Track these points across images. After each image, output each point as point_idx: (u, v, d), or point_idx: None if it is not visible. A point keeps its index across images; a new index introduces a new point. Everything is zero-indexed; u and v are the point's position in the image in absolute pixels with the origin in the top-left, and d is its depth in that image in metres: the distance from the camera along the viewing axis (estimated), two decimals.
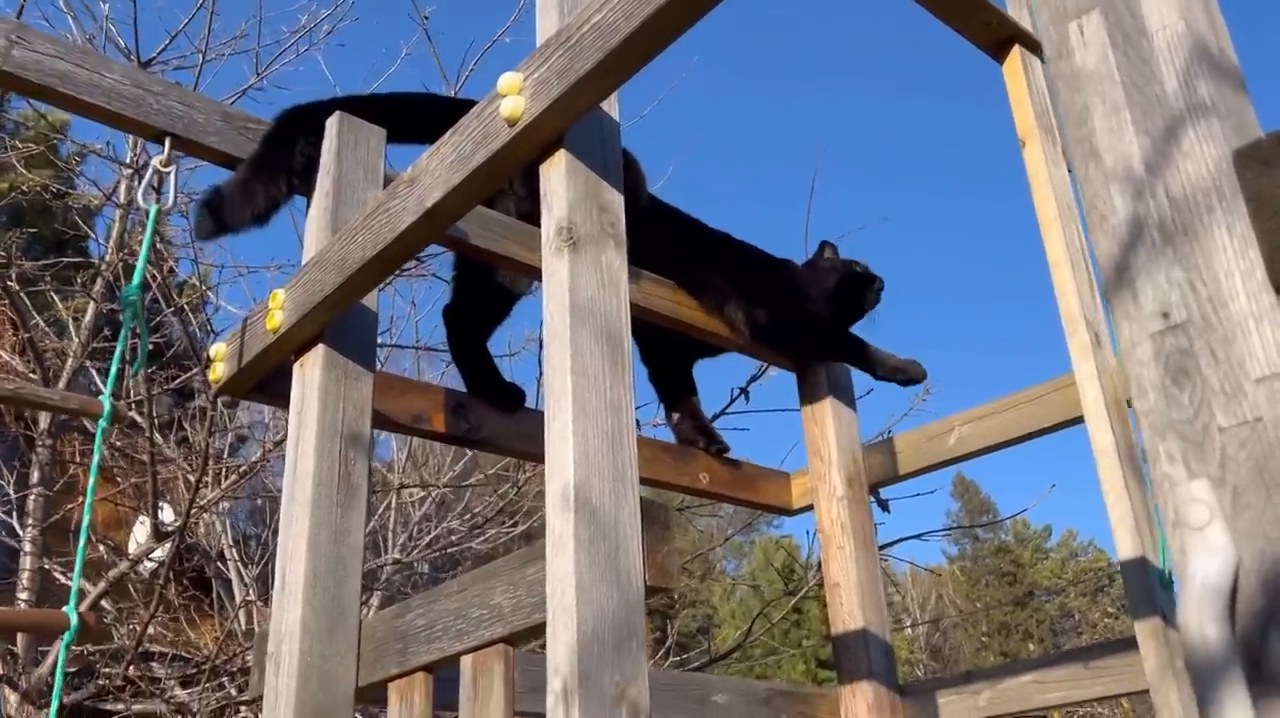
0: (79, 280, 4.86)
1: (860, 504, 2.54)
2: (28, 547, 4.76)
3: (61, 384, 4.30)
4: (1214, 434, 0.68)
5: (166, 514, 4.96)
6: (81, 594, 1.46)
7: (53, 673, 3.27)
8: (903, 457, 2.60)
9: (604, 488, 1.20)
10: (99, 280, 4.58)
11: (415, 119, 2.11)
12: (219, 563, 6.44)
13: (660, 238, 2.31)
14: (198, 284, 4.49)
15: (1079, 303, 2.25)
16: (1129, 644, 2.05)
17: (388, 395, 2.07)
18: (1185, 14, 0.78)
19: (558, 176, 1.35)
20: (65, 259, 5.05)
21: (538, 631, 1.32)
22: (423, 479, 6.37)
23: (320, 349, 1.74)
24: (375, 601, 5.54)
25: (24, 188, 5.01)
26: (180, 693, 3.77)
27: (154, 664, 4.41)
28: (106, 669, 3.84)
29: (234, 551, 6.37)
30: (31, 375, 4.33)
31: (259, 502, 6.44)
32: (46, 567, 4.81)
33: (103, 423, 1.53)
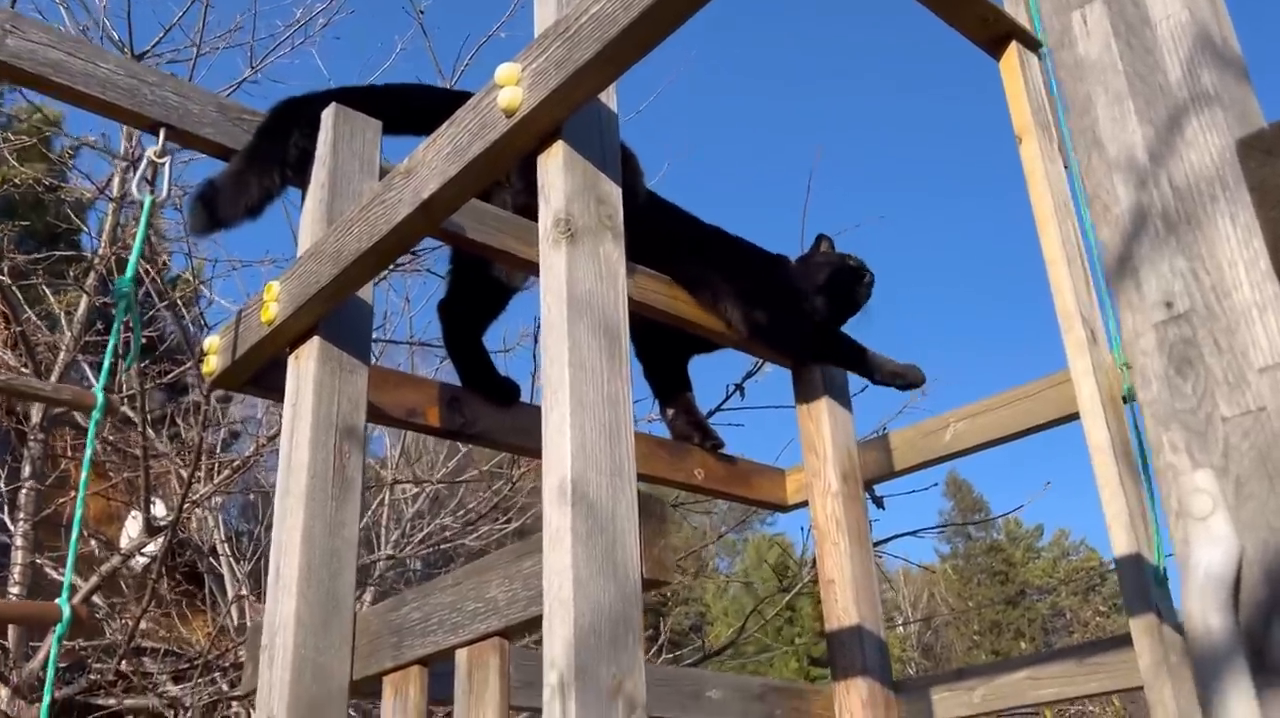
0: (72, 274, 4.83)
1: (855, 500, 2.54)
2: (19, 542, 4.74)
3: (53, 378, 4.27)
4: (1217, 424, 0.68)
5: (158, 510, 4.94)
6: (73, 589, 1.45)
7: (44, 667, 3.25)
8: (898, 453, 2.59)
9: (601, 482, 1.19)
10: (91, 274, 4.56)
11: (411, 111, 2.10)
12: (211, 559, 6.43)
13: (657, 233, 2.30)
14: (190, 279, 4.47)
15: (1075, 299, 2.25)
16: (1123, 641, 2.05)
17: (382, 389, 2.06)
18: (1189, 3, 0.78)
19: (555, 168, 1.34)
20: (58, 253, 5.02)
21: (533, 624, 1.31)
22: (415, 475, 6.36)
23: (315, 342, 1.73)
24: (368, 596, 5.53)
25: (16, 181, 4.98)
26: (172, 688, 3.76)
27: (145, 660, 4.40)
28: (98, 665, 3.82)
29: (226, 546, 6.36)
30: (23, 370, 4.31)
31: (251, 497, 6.41)
32: (38, 562, 4.79)
33: (96, 415, 1.52)
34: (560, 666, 1.10)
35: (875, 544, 2.71)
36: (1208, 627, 0.63)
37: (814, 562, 4.69)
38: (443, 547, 6.68)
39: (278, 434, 3.94)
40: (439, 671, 1.54)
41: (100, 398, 1.52)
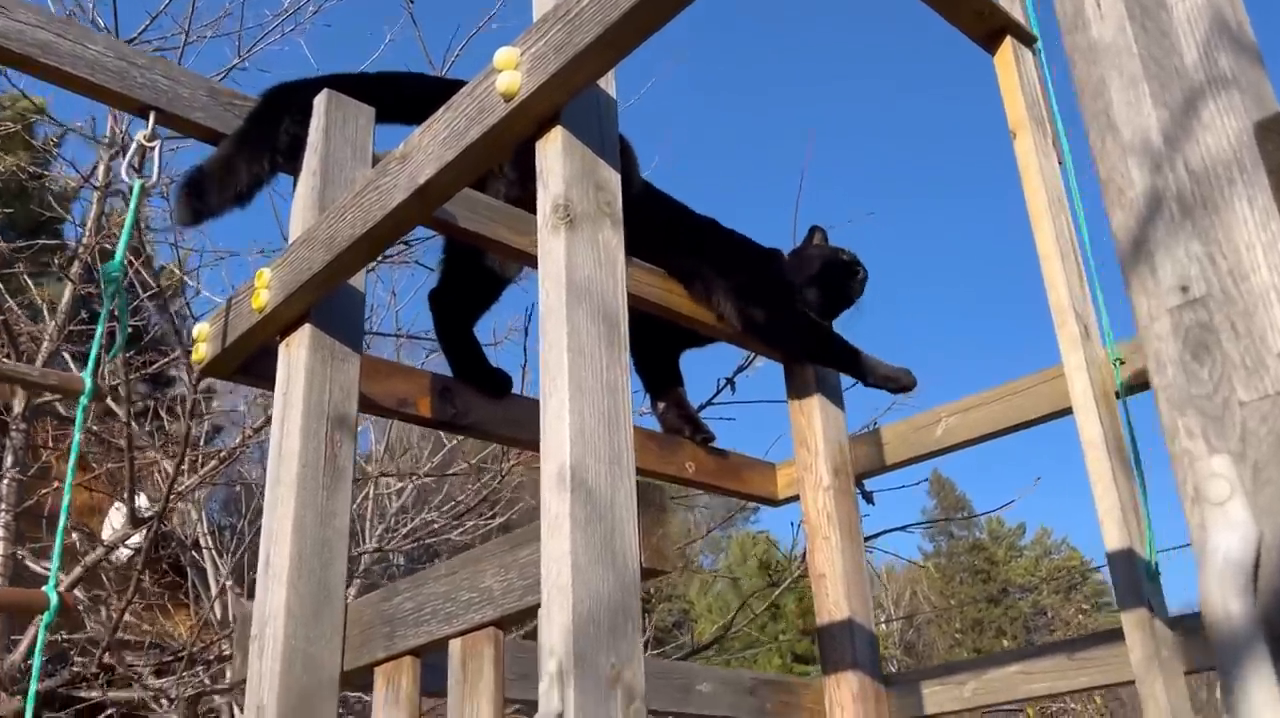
0: (56, 263, 4.78)
1: (846, 495, 2.54)
2: (0, 532, 4.69)
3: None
4: (1234, 409, 0.67)
5: (140, 502, 4.89)
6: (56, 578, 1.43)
7: (25, 659, 3.22)
8: (889, 448, 2.59)
9: (600, 469, 1.18)
10: (76, 263, 4.52)
11: (405, 99, 2.08)
12: (194, 552, 6.38)
13: (651, 224, 2.29)
14: (176, 270, 4.43)
15: (1069, 294, 2.25)
16: (1114, 636, 2.06)
17: (373, 379, 2.04)
18: None
19: (554, 153, 1.33)
20: (41, 242, 4.97)
21: (529, 613, 1.30)
22: (398, 469, 6.33)
23: (306, 329, 1.72)
24: (353, 590, 5.50)
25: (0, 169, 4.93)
26: (154, 682, 3.72)
27: (126, 653, 4.36)
28: (80, 658, 3.79)
29: (209, 539, 6.31)
30: (5, 360, 4.27)
31: (236, 488, 6.37)
32: (20, 555, 4.74)
33: (84, 400, 1.50)
34: (559, 653, 1.08)
35: (865, 539, 2.70)
36: (1228, 612, 0.62)
37: (802, 557, 4.70)
38: (428, 541, 6.65)
39: (264, 426, 3.91)
40: (431, 662, 1.53)
41: (88, 383, 1.49)
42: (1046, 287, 2.29)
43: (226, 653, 4.28)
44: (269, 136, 1.88)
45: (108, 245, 4.52)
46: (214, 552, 6.28)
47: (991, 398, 2.39)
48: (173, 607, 6.54)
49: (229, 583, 5.83)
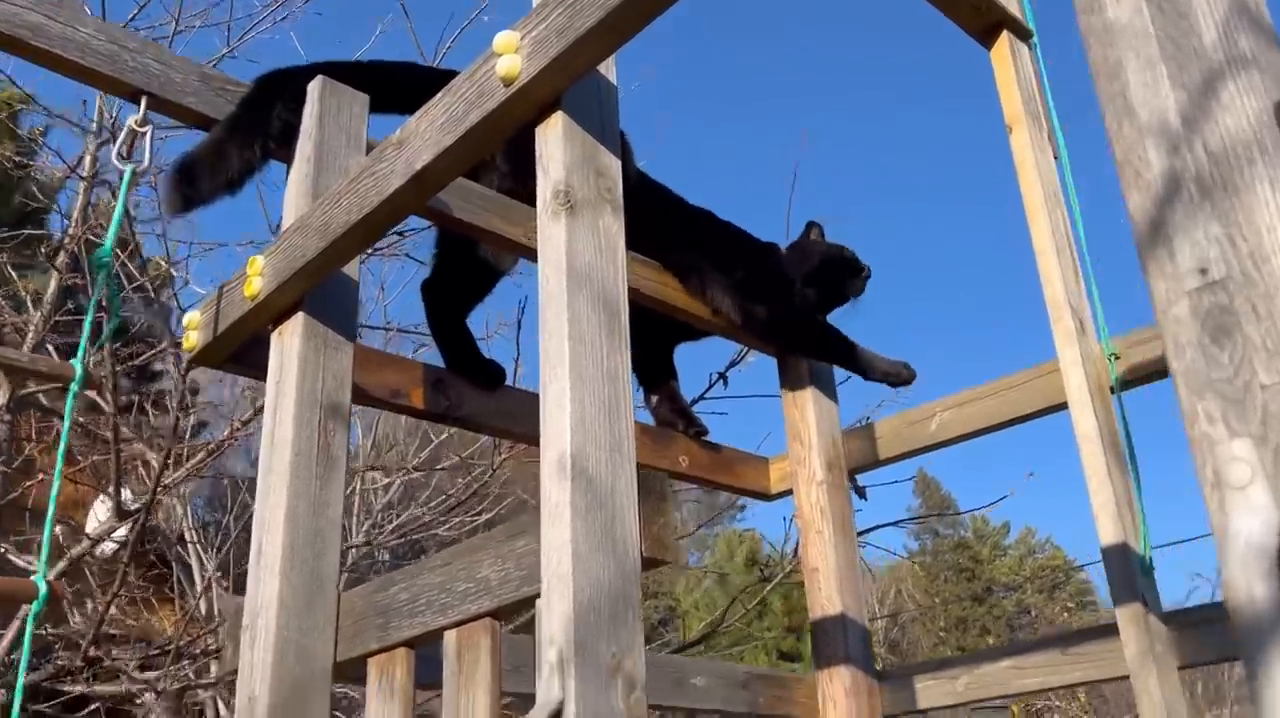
0: (42, 251, 4.73)
1: (840, 489, 2.53)
2: None
3: None
4: (1255, 392, 0.66)
5: (125, 496, 4.84)
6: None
7: (9, 653, 3.18)
8: (883, 442, 2.59)
9: (601, 457, 1.17)
10: (62, 254, 4.47)
11: (398, 88, 2.06)
12: (179, 547, 6.34)
13: (646, 215, 2.27)
14: (164, 263, 4.39)
15: (1064, 289, 2.24)
16: (1108, 630, 2.06)
17: (366, 370, 2.02)
18: None
19: (554, 139, 1.31)
20: (26, 231, 4.91)
21: (526, 604, 1.29)
22: (384, 462, 6.30)
23: (300, 317, 1.70)
24: (340, 585, 5.45)
25: None
26: (140, 676, 3.69)
27: (111, 648, 4.31)
28: (65, 652, 3.75)
29: (194, 533, 6.27)
30: None
31: (224, 481, 6.33)
32: (3, 549, 4.69)
33: (74, 388, 1.48)
34: (559, 642, 1.07)
35: (858, 534, 2.70)
36: (1252, 596, 0.61)
37: (793, 553, 4.70)
38: (414, 537, 6.63)
39: (253, 418, 3.88)
40: (425, 654, 1.51)
41: (79, 370, 1.47)
42: (1042, 281, 2.29)
43: (212, 648, 4.25)
44: (262, 122, 1.86)
45: (92, 238, 4.48)
46: (199, 546, 6.24)
47: (986, 393, 2.39)
48: (157, 602, 6.50)
49: (214, 577, 5.80)
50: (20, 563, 4.78)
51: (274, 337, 1.74)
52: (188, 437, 4.69)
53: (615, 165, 1.35)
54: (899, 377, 2.45)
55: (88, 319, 1.56)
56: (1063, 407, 2.24)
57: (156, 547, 5.90)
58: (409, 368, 2.13)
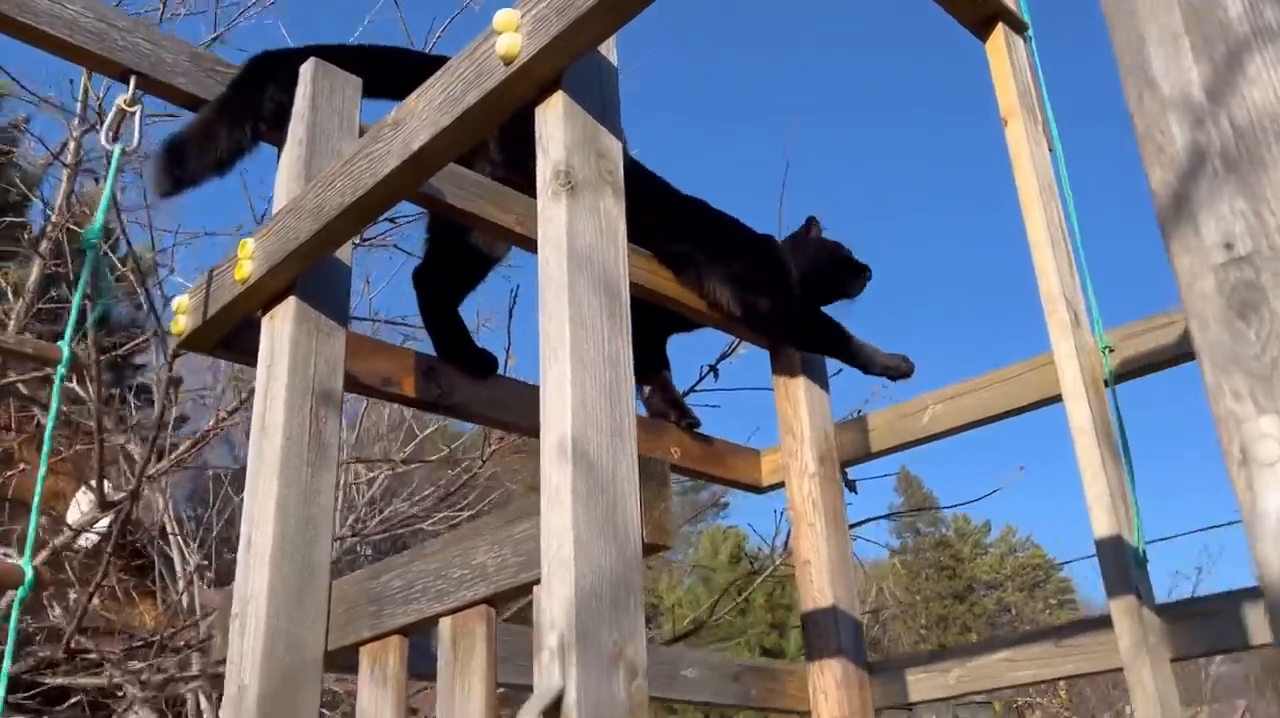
0: (24, 239, 4.67)
1: (832, 482, 2.52)
2: None
3: None
4: None
5: (105, 488, 4.78)
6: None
7: None
8: (875, 435, 2.58)
9: (602, 441, 1.15)
10: (45, 242, 4.41)
11: (391, 72, 2.03)
12: (161, 541, 6.29)
13: (641, 205, 2.25)
14: (149, 253, 4.33)
15: (1059, 282, 2.24)
16: (1101, 623, 2.05)
17: (357, 357, 2.00)
18: None
19: (555, 119, 1.29)
20: (8, 219, 4.85)
21: (523, 591, 1.27)
22: (368, 455, 6.26)
23: (291, 302, 1.67)
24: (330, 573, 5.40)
25: None
26: (123, 668, 3.65)
27: (83, 639, 4.26)
28: (46, 643, 3.71)
29: (175, 526, 6.22)
30: None
31: (209, 472, 6.28)
32: None
33: (61, 370, 1.45)
34: (560, 627, 1.05)
35: (850, 527, 2.69)
36: None
37: (783, 546, 4.70)
38: (398, 532, 6.59)
39: (238, 408, 3.85)
40: (416, 644, 1.49)
41: (66, 352, 1.44)
42: (1037, 274, 2.28)
43: (194, 642, 4.21)
44: (253, 103, 1.83)
45: (74, 227, 4.42)
46: (181, 540, 6.19)
47: (979, 385, 2.38)
48: (138, 595, 6.44)
49: (197, 570, 5.75)
50: None
51: (265, 321, 1.71)
52: (170, 428, 4.64)
53: (616, 147, 1.33)
54: (899, 370, 2.44)
55: (75, 300, 1.53)
56: (1056, 399, 2.24)
57: (137, 540, 5.84)
58: (400, 355, 2.11)
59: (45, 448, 1.35)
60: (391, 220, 3.86)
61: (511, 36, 1.29)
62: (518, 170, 2.15)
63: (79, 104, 3.62)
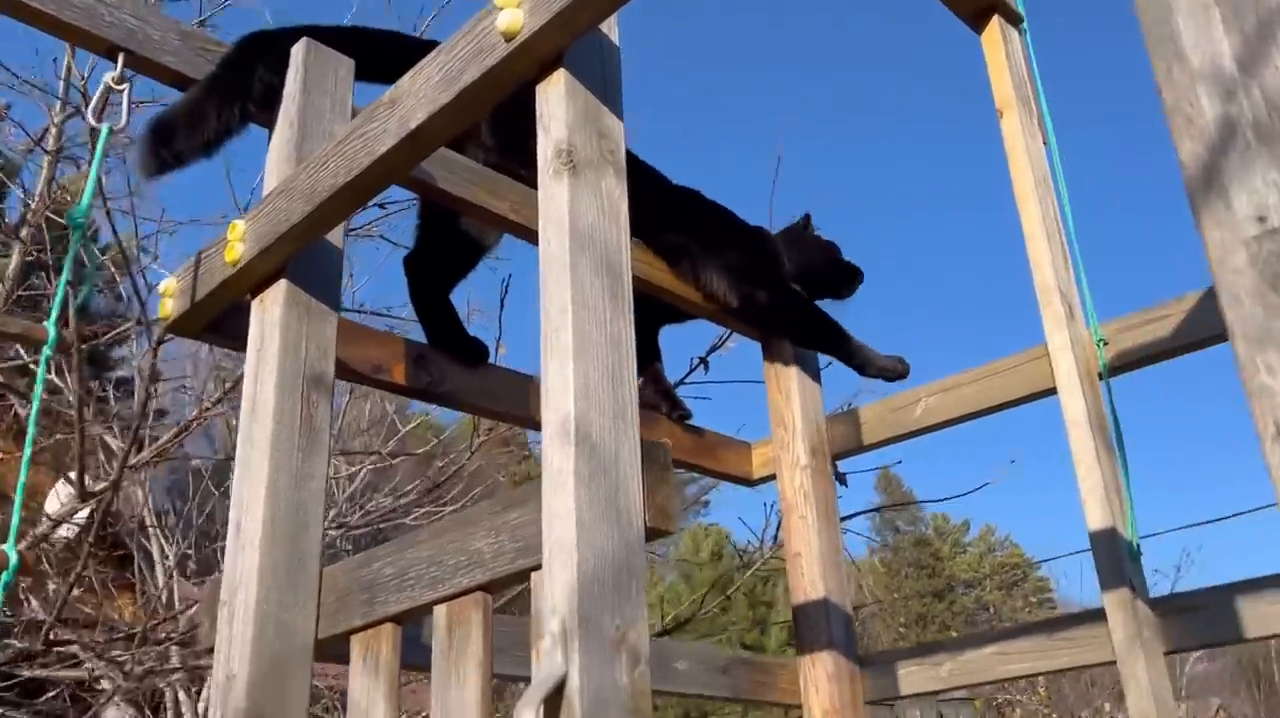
0: (2, 225, 4.60)
1: (823, 475, 2.51)
2: None
3: None
4: None
5: (70, 489, 4.71)
6: None
7: None
8: (867, 428, 2.57)
9: (604, 423, 1.13)
10: (25, 228, 4.34)
11: (384, 56, 2.00)
12: (140, 535, 6.22)
13: (634, 194, 2.23)
14: (131, 240, 4.27)
15: (1054, 274, 2.24)
16: (1095, 616, 2.05)
17: (347, 343, 1.96)
18: None
19: (556, 97, 1.27)
20: None
21: (520, 577, 1.25)
22: (350, 447, 6.22)
23: (282, 285, 1.64)
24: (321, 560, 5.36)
25: None
26: (100, 662, 3.60)
27: (61, 630, 4.20)
28: (23, 635, 3.65)
29: (154, 518, 6.16)
30: None
31: (190, 463, 6.21)
32: None
33: (47, 351, 1.41)
34: (563, 612, 1.03)
35: (841, 519, 2.68)
36: None
37: (773, 539, 4.69)
38: (379, 525, 6.55)
39: (222, 398, 3.80)
40: (406, 634, 1.47)
41: (52, 332, 1.41)
42: (1032, 266, 2.28)
43: (174, 634, 4.16)
44: (243, 83, 1.80)
45: (53, 216, 4.36)
46: (160, 533, 6.13)
47: (972, 378, 2.37)
48: (116, 589, 6.37)
49: (177, 563, 5.69)
50: None
51: (255, 304, 1.68)
52: (150, 419, 4.59)
53: (618, 128, 1.31)
54: (895, 372, 2.43)
55: (61, 281, 1.50)
56: (1050, 392, 2.24)
57: (116, 532, 5.77)
58: (391, 342, 2.08)
59: (30, 431, 1.32)
60: (381, 206, 3.83)
61: (513, 12, 1.26)
62: (511, 156, 2.13)
63: (61, 83, 3.56)
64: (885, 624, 27.65)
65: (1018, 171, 2.34)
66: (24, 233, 4.23)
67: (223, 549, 6.38)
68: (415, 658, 1.56)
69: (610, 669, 1.03)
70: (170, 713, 5.91)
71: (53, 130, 4.23)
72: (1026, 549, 31.81)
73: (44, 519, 3.88)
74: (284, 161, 1.74)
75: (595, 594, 1.04)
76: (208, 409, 3.72)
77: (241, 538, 1.50)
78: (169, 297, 1.78)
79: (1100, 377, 2.17)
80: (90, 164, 1.73)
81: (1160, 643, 1.95)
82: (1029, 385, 2.27)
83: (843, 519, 3.89)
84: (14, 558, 1.23)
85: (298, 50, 1.81)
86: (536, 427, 2.32)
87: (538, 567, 1.18)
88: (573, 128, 1.25)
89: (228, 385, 3.83)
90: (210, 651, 1.55)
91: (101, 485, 3.39)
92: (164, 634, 3.64)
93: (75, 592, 3.78)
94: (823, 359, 2.68)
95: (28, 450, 1.31)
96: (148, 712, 6.30)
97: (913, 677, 2.30)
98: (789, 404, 2.55)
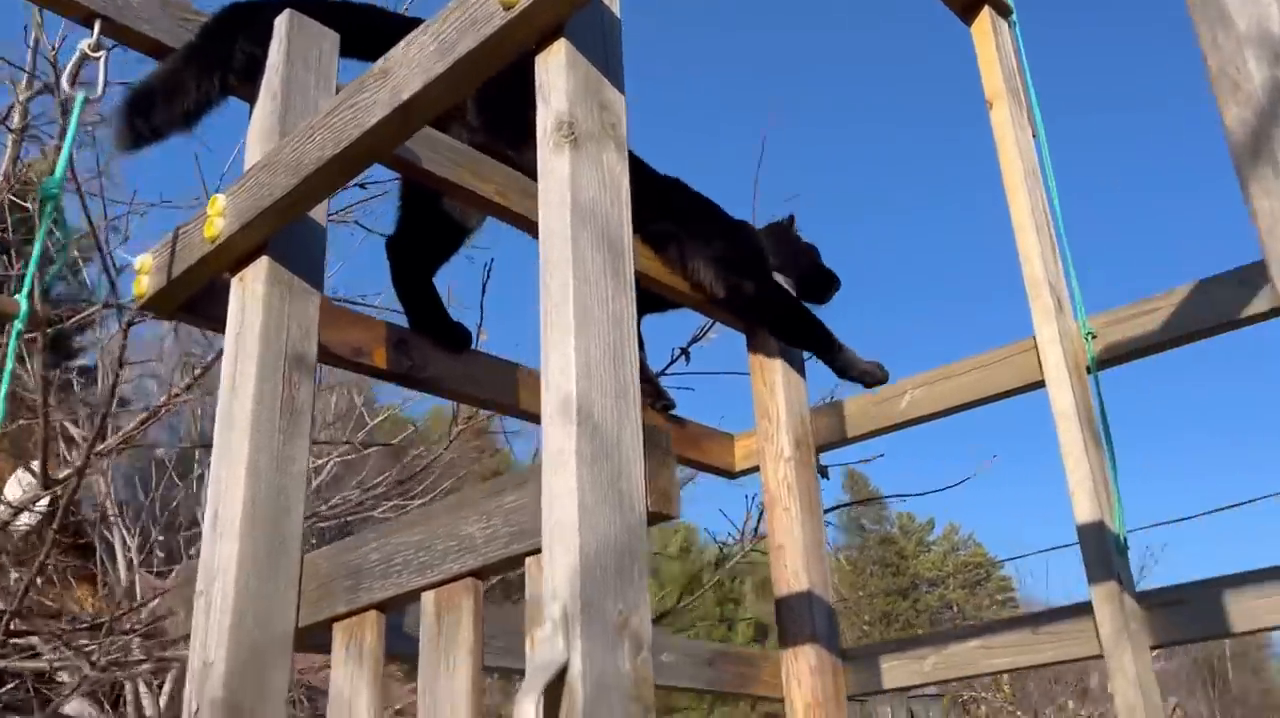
0: None
1: (807, 467, 2.49)
2: None
3: None
4: None
5: (31, 477, 4.60)
6: None
7: None
8: (851, 420, 2.55)
9: (606, 403, 1.09)
10: None
11: (371, 31, 1.95)
12: (101, 526, 6.10)
13: None
14: (100, 221, 4.17)
15: (1043, 266, 2.23)
16: (1080, 609, 2.04)
17: (327, 326, 1.90)
18: None
19: (557, 67, 1.23)
20: None
21: (513, 562, 1.21)
22: (313, 440, 6.13)
23: (264, 261, 1.59)
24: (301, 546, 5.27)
25: None
26: (69, 651, 3.51)
27: (17, 622, 4.10)
28: None
29: (116, 508, 6.04)
30: None
31: (150, 457, 6.10)
32: None
33: (18, 325, 1.35)
34: (564, 597, 0.99)
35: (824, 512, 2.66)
36: None
37: (753, 531, 4.67)
38: (347, 518, 6.47)
39: (193, 384, 3.72)
40: (390, 623, 1.43)
41: (24, 305, 1.35)
42: (1021, 259, 2.27)
43: (137, 627, 4.07)
44: (223, 54, 1.74)
45: (15, 199, 4.25)
46: (123, 523, 6.01)
47: (959, 370, 2.36)
48: (75, 580, 6.24)
49: (140, 553, 5.59)
50: None
51: (235, 282, 1.63)
52: (113, 405, 4.49)
53: (620, 101, 1.27)
54: (874, 377, 2.43)
55: (34, 255, 1.44)
56: (1036, 385, 2.23)
57: (78, 522, 5.65)
58: (372, 326, 2.03)
59: (1, 405, 1.26)
60: (362, 186, 3.76)
61: None
62: (498, 136, 2.09)
63: (29, 55, 3.47)
64: (850, 623, 27.80)
65: (1007, 163, 2.33)
66: None
67: (186, 540, 6.28)
68: (396, 647, 1.52)
69: (613, 656, 0.99)
70: (130, 707, 5.80)
71: (18, 108, 4.12)
72: (990, 549, 32.11)
73: (2, 507, 3.78)
74: (266, 135, 1.68)
75: (597, 578, 1.01)
76: (176, 396, 3.63)
77: (220, 523, 1.45)
78: (144, 273, 1.72)
79: (1088, 370, 2.16)
80: (62, 137, 1.66)
81: (1147, 636, 1.95)
82: (1016, 378, 2.26)
83: (829, 511, 3.88)
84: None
85: (281, 21, 1.75)
86: (520, 414, 2.29)
87: (532, 551, 1.15)
88: (574, 99, 1.21)
89: (197, 372, 3.75)
90: (177, 641, 1.50)
91: (66, 472, 3.30)
92: (128, 626, 3.55)
93: (36, 581, 3.68)
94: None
95: (0, 408, 1.25)
96: (107, 706, 6.18)
97: (895, 671, 2.29)
98: (774, 396, 2.53)
